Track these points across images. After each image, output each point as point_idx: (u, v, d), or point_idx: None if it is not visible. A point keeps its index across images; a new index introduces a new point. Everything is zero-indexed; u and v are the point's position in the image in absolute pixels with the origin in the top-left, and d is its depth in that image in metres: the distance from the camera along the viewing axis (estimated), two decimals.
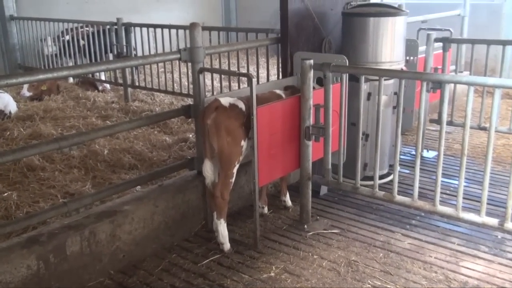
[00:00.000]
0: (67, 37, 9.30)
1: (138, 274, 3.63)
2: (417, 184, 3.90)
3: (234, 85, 6.61)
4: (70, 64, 9.25)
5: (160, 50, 7.47)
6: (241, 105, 3.77)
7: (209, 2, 14.14)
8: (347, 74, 4.16)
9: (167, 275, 3.61)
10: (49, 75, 3.41)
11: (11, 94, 7.69)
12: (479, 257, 3.75)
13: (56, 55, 9.54)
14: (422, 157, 5.52)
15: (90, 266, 3.50)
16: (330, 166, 4.27)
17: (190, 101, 7.30)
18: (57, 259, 3.28)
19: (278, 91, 4.23)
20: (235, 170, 3.83)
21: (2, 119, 6.97)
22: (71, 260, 3.38)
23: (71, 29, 9.31)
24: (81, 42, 8.98)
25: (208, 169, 3.80)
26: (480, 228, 4.02)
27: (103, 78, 8.99)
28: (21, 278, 3.14)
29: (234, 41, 9.97)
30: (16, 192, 4.63)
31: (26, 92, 8.09)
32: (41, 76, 3.37)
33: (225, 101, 3.77)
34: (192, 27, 4.00)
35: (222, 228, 3.86)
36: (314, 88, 4.17)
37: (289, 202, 4.63)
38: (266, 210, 4.49)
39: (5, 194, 4.59)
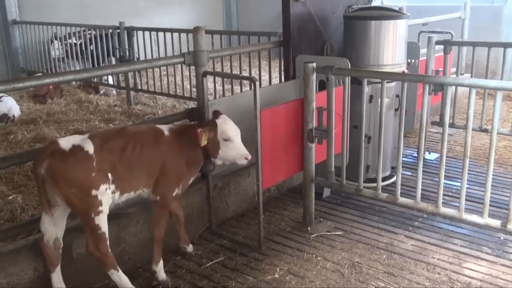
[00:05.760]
0: (69, 41, 9.35)
1: (144, 276, 3.66)
2: (419, 186, 3.93)
3: (236, 88, 6.64)
4: (73, 67, 9.30)
5: (162, 54, 7.51)
6: (89, 147, 3.04)
7: (210, 6, 14.20)
8: (350, 77, 4.20)
9: (172, 277, 3.62)
10: (55, 79, 3.46)
11: (14, 98, 7.73)
12: (482, 259, 3.77)
13: (60, 58, 9.59)
14: (424, 159, 5.53)
15: (96, 268, 3.51)
16: (333, 169, 4.30)
17: (192, 104, 7.33)
18: (63, 261, 3.30)
19: (160, 126, 3.48)
20: (100, 221, 3.11)
21: (6, 123, 7.01)
22: (77, 262, 3.41)
23: (74, 33, 9.37)
24: (90, 47, 9.05)
25: (47, 225, 3.11)
26: (483, 230, 4.05)
27: (110, 82, 9.02)
28: (28, 280, 3.18)
29: (236, 45, 10.01)
30: (21, 195, 4.65)
31: None
32: (47, 80, 3.40)
33: (66, 143, 3.04)
34: (195, 31, 4.03)
35: (118, 278, 3.28)
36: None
37: (190, 248, 3.93)
38: (190, 248, 3.93)
39: (10, 197, 4.61)
